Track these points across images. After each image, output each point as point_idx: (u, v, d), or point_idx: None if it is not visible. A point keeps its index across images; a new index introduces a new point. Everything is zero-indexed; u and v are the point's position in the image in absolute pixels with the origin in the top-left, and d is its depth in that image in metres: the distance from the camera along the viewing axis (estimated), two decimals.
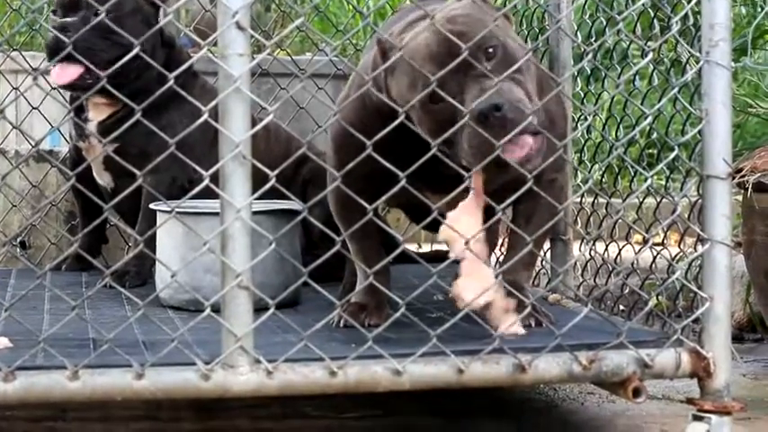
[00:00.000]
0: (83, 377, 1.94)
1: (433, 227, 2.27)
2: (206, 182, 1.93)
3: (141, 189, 2.91)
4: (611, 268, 3.03)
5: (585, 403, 2.79)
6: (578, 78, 3.69)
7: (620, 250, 3.03)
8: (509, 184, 2.24)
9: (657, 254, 2.81)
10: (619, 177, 3.50)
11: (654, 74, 2.93)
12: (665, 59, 2.97)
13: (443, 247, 2.52)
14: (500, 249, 3.14)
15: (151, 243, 2.72)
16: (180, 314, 2.67)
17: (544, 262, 3.19)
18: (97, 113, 3.21)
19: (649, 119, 2.33)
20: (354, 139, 2.21)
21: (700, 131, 2.19)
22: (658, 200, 2.88)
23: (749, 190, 2.94)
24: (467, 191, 2.23)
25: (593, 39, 3.13)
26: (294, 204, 2.72)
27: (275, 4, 4.96)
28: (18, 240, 3.64)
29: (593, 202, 3.28)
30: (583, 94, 3.42)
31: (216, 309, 1.96)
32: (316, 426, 2.58)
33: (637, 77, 3.06)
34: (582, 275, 3.18)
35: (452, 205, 2.27)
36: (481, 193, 2.25)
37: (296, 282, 2.13)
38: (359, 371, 2.02)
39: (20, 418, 2.57)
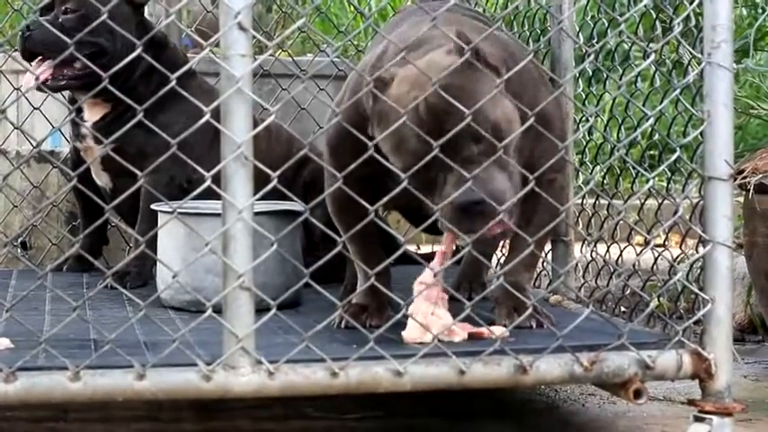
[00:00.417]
0: (84, 378, 1.94)
1: (433, 229, 2.27)
2: (207, 182, 1.93)
3: (140, 189, 2.90)
4: (612, 270, 3.02)
5: (586, 404, 2.79)
6: (580, 80, 3.70)
7: (621, 252, 3.03)
8: None
9: (659, 255, 2.81)
10: (620, 179, 3.50)
11: (656, 75, 2.92)
12: (667, 61, 2.97)
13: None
14: (501, 251, 3.15)
15: (152, 244, 2.72)
16: (181, 315, 2.67)
17: (545, 263, 3.19)
18: (92, 114, 3.20)
19: (651, 120, 2.34)
20: (348, 142, 2.20)
21: (701, 133, 2.19)
22: (660, 201, 2.88)
23: (750, 191, 2.94)
24: None
25: (595, 40, 3.13)
26: (296, 205, 2.72)
27: (277, 4, 4.95)
28: (19, 241, 3.64)
29: (595, 203, 3.28)
30: (584, 96, 3.42)
31: (217, 309, 1.96)
32: (317, 427, 2.58)
33: (638, 79, 3.05)
34: (583, 277, 3.18)
35: None
36: (450, 249, 2.31)
37: (297, 283, 2.14)
38: (360, 372, 2.02)
39: (21, 418, 2.57)
